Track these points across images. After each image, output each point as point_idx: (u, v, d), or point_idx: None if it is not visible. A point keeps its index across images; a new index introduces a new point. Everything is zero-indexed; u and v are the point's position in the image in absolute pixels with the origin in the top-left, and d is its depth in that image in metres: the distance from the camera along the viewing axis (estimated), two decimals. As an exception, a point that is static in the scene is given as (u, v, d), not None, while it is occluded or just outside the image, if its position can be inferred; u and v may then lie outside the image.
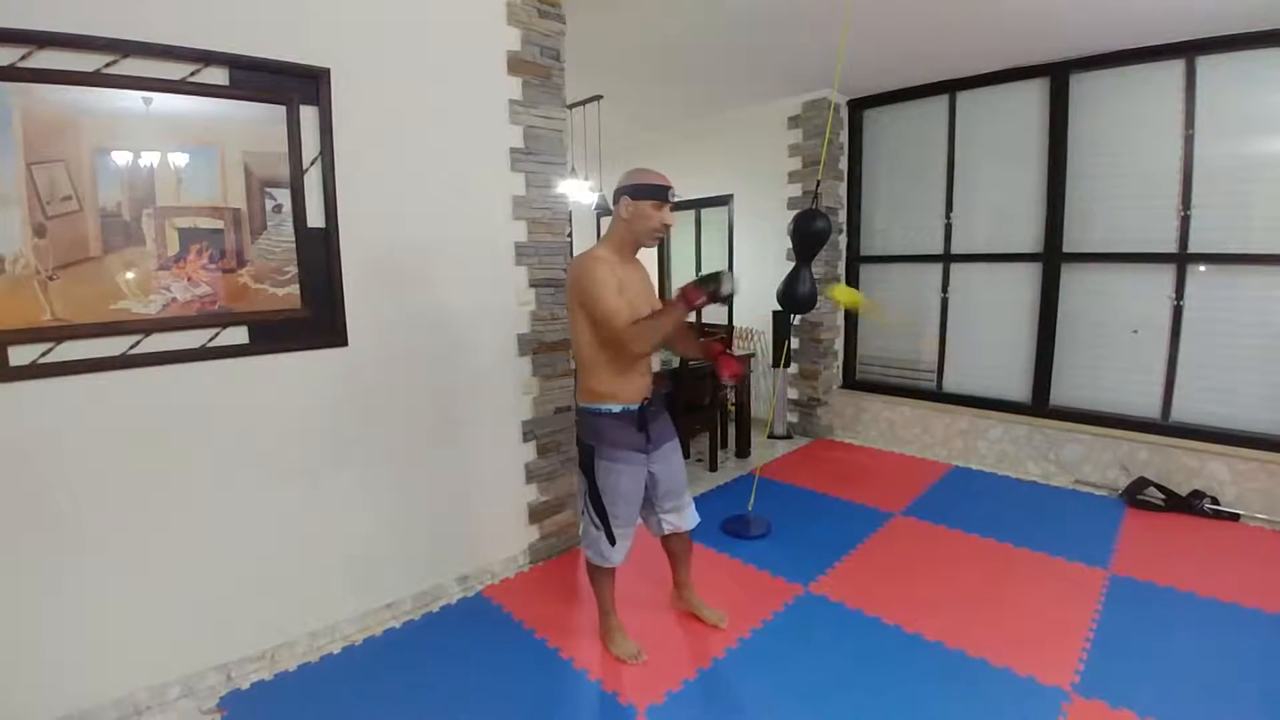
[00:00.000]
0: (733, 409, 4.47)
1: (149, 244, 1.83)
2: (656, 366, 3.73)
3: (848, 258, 4.81)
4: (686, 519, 2.22)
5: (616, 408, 2.00)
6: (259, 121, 1.99)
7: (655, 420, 2.09)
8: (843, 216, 4.72)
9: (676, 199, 2.03)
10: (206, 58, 1.87)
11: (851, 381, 4.92)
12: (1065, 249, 3.76)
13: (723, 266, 5.33)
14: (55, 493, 1.74)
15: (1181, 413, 3.47)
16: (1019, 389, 4.05)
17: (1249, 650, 2.12)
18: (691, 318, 5.02)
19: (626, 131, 5.68)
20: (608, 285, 1.90)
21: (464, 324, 2.54)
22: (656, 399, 2.10)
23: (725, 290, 1.80)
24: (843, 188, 4.71)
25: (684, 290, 1.83)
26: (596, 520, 2.07)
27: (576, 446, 2.09)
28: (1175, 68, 3.31)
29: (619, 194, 1.98)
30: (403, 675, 2.09)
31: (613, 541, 2.07)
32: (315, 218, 2.13)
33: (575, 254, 2.08)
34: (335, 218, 2.15)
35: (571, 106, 4.47)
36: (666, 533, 2.23)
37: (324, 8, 2.10)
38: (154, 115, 1.81)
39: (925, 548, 2.93)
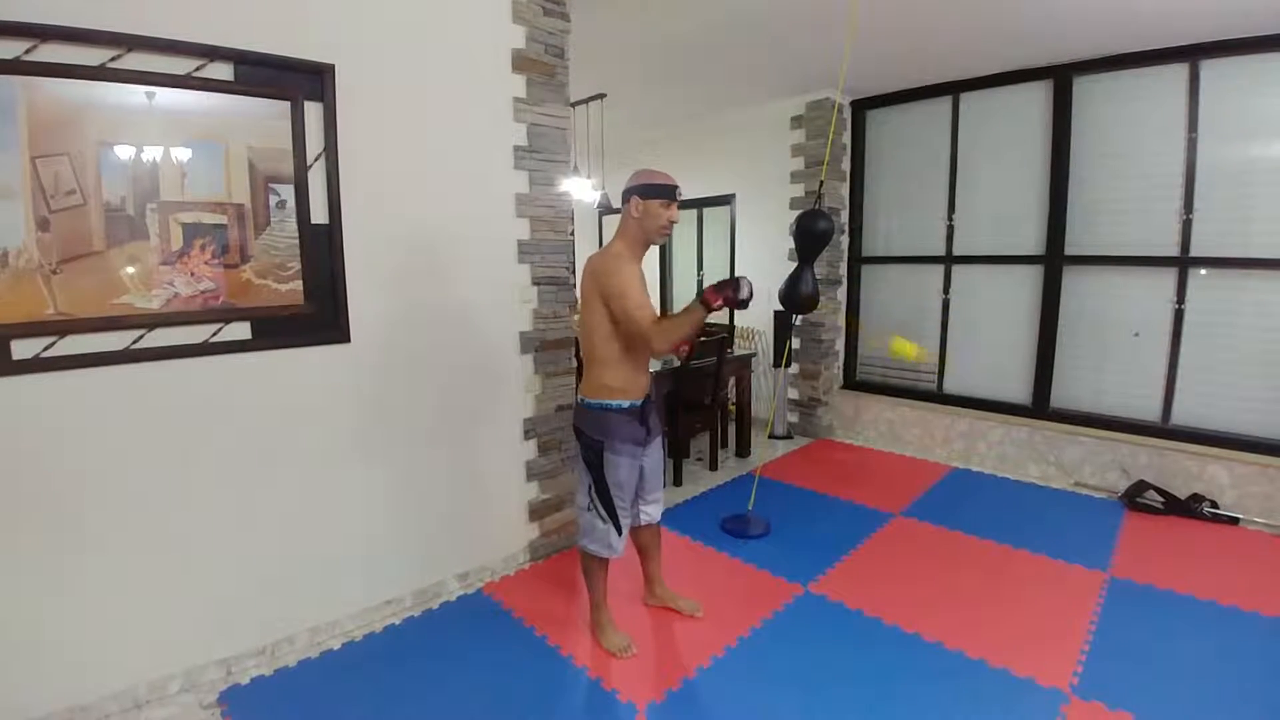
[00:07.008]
0: (733, 409, 4.48)
1: (152, 239, 1.83)
2: (655, 366, 3.74)
3: (849, 259, 4.81)
4: (659, 510, 2.31)
5: (625, 403, 2.04)
6: (263, 117, 1.99)
7: (651, 415, 2.16)
8: (845, 217, 4.72)
9: (682, 198, 2.05)
10: (211, 53, 1.86)
11: (852, 382, 4.92)
12: (1067, 251, 3.76)
13: (724, 268, 5.33)
14: (56, 486, 1.74)
15: (1182, 416, 3.47)
16: (1020, 391, 4.05)
17: (1248, 653, 2.13)
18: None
19: (629, 130, 5.67)
20: (636, 281, 1.95)
21: (466, 321, 2.54)
22: (655, 394, 2.15)
23: (743, 294, 1.85)
24: (845, 188, 4.71)
25: (704, 294, 1.88)
26: (604, 514, 2.11)
27: (579, 443, 2.10)
28: (1179, 71, 3.31)
29: (628, 194, 2.00)
30: (402, 671, 2.09)
31: (620, 532, 2.13)
32: (319, 214, 2.13)
33: (577, 252, 2.08)
34: (339, 214, 2.15)
35: (575, 105, 4.46)
36: (643, 524, 2.29)
37: (329, 4, 2.10)
38: (158, 110, 1.81)
39: (925, 549, 2.94)
